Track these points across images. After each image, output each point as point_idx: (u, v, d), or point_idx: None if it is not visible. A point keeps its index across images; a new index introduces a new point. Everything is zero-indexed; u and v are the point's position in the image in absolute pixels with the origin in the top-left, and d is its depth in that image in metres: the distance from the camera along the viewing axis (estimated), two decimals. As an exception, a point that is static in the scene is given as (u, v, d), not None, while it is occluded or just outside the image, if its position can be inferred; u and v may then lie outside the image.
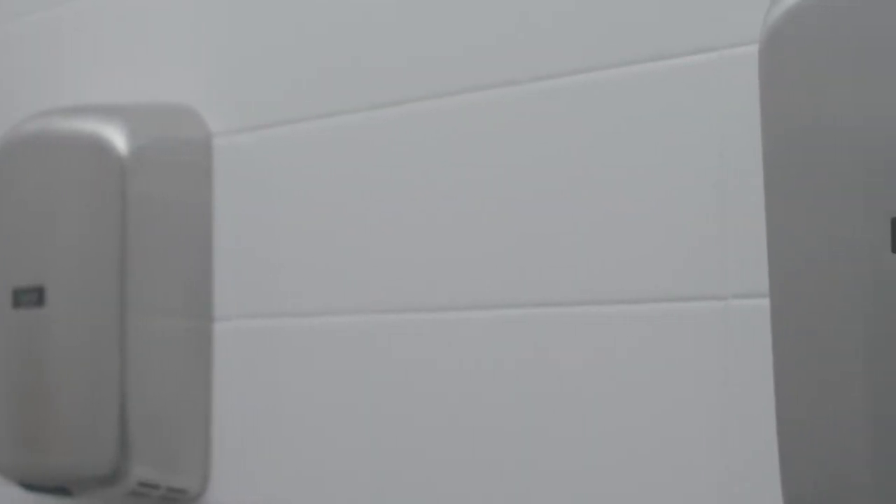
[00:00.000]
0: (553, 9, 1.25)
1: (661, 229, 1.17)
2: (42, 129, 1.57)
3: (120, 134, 1.50)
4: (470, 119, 1.31)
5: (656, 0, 1.18)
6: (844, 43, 0.96)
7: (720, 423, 1.13)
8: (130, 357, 1.48)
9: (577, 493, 1.22)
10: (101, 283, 1.49)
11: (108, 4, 1.67)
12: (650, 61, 1.18)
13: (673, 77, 1.17)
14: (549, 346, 1.24)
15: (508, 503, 1.27)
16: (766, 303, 1.02)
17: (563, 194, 1.24)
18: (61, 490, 1.53)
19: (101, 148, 1.50)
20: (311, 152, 1.44)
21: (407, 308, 1.35)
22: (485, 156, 1.30)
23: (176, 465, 1.51)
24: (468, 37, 1.32)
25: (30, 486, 1.57)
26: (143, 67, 1.63)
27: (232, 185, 1.52)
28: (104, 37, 1.68)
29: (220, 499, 1.52)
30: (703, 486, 1.14)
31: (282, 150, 1.47)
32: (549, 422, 1.24)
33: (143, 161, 1.51)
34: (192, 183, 1.54)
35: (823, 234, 0.96)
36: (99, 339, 1.49)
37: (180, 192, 1.54)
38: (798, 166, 0.97)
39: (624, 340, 1.19)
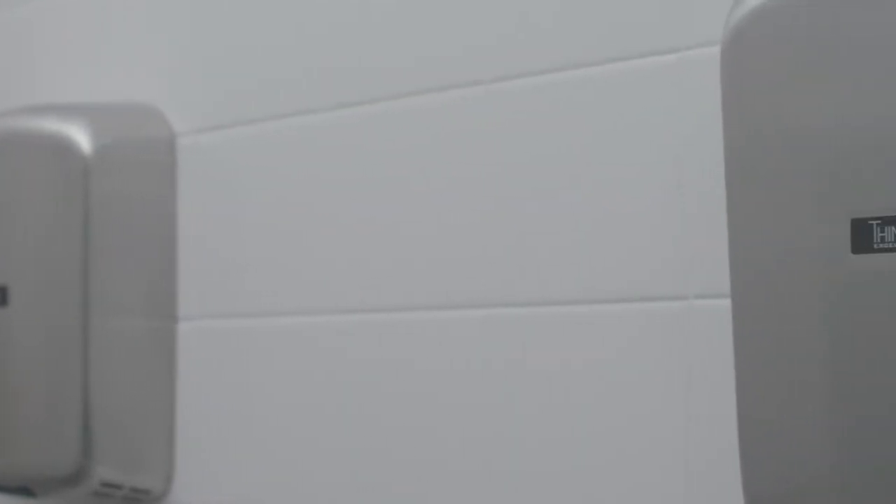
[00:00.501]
0: (516, 11, 1.25)
1: (624, 230, 1.17)
2: (5, 129, 1.56)
3: (83, 133, 1.50)
4: (435, 119, 1.31)
5: (617, 1, 1.18)
6: (806, 44, 0.96)
7: (684, 423, 1.14)
8: (93, 357, 1.47)
9: (543, 491, 1.22)
10: (65, 283, 1.48)
11: (71, 4, 1.67)
12: (612, 62, 1.19)
13: (635, 78, 1.17)
14: (514, 346, 1.24)
15: (467, 501, 1.27)
16: (728, 303, 1.02)
17: (525, 196, 1.24)
18: (24, 490, 1.52)
19: (64, 147, 1.49)
20: (275, 152, 1.44)
21: (372, 308, 1.35)
22: (451, 156, 1.30)
23: (139, 466, 1.51)
24: (433, 37, 1.32)
25: (-8, 487, 1.56)
26: (107, 67, 1.63)
27: (196, 185, 1.52)
28: (68, 36, 1.67)
29: (183, 499, 1.51)
30: (668, 486, 1.14)
31: (246, 150, 1.47)
32: (513, 422, 1.25)
33: (106, 161, 1.50)
34: (156, 182, 1.54)
35: (784, 234, 0.97)
36: (62, 338, 1.49)
37: (144, 191, 1.53)
38: (759, 167, 0.98)
39: (587, 340, 1.19)
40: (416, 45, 1.33)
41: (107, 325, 1.49)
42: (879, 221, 0.93)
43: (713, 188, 1.09)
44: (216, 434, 1.48)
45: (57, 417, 1.49)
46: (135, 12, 1.60)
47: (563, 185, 1.21)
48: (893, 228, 0.92)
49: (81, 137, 1.49)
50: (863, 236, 0.93)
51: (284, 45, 1.44)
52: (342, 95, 1.38)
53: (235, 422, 1.46)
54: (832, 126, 0.95)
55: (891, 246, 0.92)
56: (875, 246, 0.93)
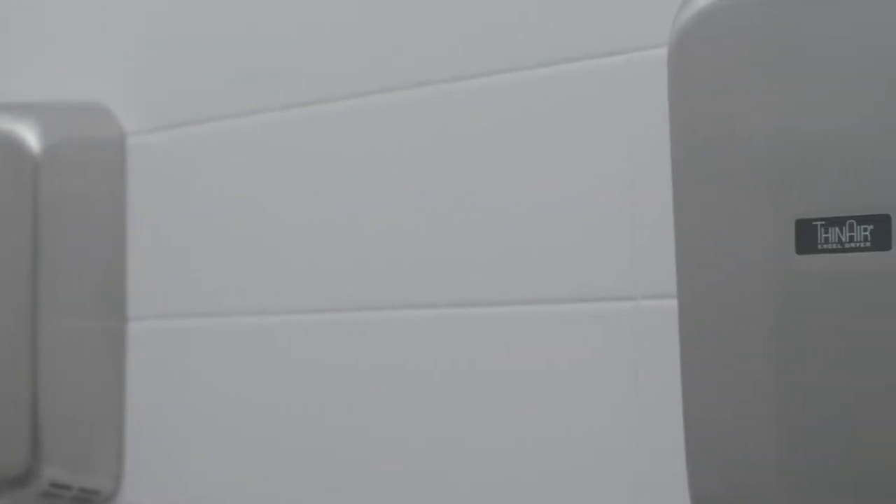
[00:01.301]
0: (464, 11, 1.26)
1: (572, 230, 1.17)
2: (-47, 128, 1.55)
3: (33, 132, 1.49)
4: (387, 119, 1.31)
5: (566, 3, 1.19)
6: (753, 46, 0.97)
7: (631, 423, 1.14)
8: (42, 357, 1.47)
9: (488, 492, 1.23)
10: (13, 283, 1.48)
11: (21, 2, 1.66)
12: (561, 63, 1.19)
13: (583, 79, 1.17)
14: (460, 346, 1.25)
15: (417, 501, 1.27)
16: (676, 303, 1.03)
17: (474, 194, 1.24)
18: (-28, 491, 1.51)
19: (13, 146, 1.48)
20: (225, 152, 1.44)
21: (323, 308, 1.35)
22: (398, 156, 1.30)
23: (88, 466, 1.50)
24: (380, 37, 1.32)
25: (-60, 488, 1.55)
26: (57, 66, 1.62)
27: (146, 185, 1.51)
28: (17, 34, 1.66)
29: (132, 499, 1.51)
30: (615, 486, 1.15)
31: (196, 150, 1.46)
32: (463, 420, 1.25)
33: (56, 160, 1.49)
34: (105, 182, 1.53)
35: (730, 235, 0.97)
36: (10, 338, 1.48)
37: (94, 191, 1.52)
38: (705, 168, 0.99)
39: (535, 341, 1.20)
40: (369, 45, 1.33)
41: (56, 325, 1.48)
42: (823, 222, 0.94)
43: (661, 189, 1.10)
44: (166, 435, 1.48)
45: (6, 418, 1.48)
46: (85, 11, 1.59)
47: (513, 185, 1.22)
48: (837, 229, 0.93)
49: (31, 137, 1.48)
50: (807, 237, 0.94)
51: (235, 45, 1.44)
52: (292, 95, 1.38)
53: (185, 422, 1.46)
54: (777, 127, 0.95)
55: (834, 247, 0.93)
56: (819, 247, 0.94)
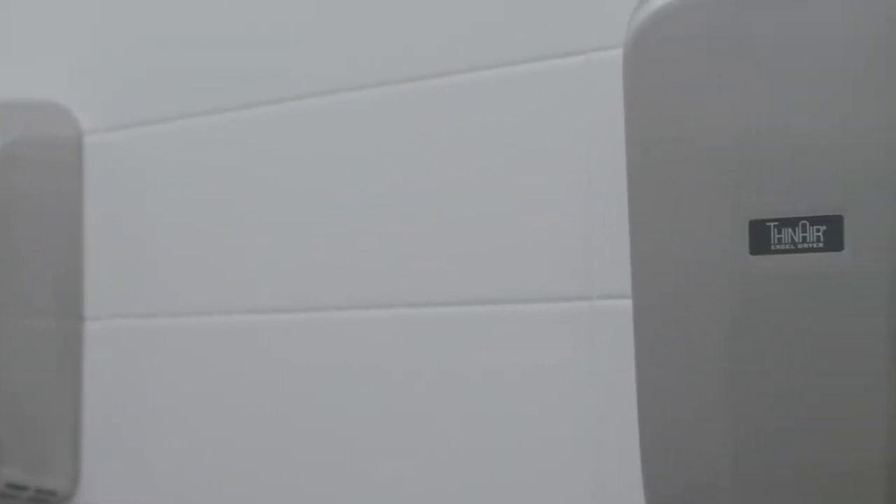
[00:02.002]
0: (421, 10, 1.26)
1: (529, 230, 1.18)
2: None
3: (-11, 131, 1.48)
4: (342, 119, 1.31)
5: (524, 3, 1.19)
6: (707, 46, 0.97)
7: (588, 423, 1.14)
8: (-2, 357, 1.46)
9: (447, 492, 1.23)
10: (-31, 282, 1.47)
11: (-23, -1, 1.65)
12: (519, 64, 1.19)
13: (540, 80, 1.18)
14: (418, 346, 1.25)
15: (383, 501, 1.27)
16: (631, 304, 1.03)
17: (433, 195, 1.24)
18: (-74, 493, 1.50)
19: (-31, 145, 1.48)
20: (182, 151, 1.43)
21: (283, 308, 1.35)
22: (358, 156, 1.30)
23: (45, 467, 1.49)
24: (339, 37, 1.32)
25: None
26: (14, 64, 1.61)
27: (103, 184, 1.51)
28: (-26, 32, 1.66)
29: (90, 500, 1.50)
30: (572, 486, 1.15)
31: (153, 148, 1.46)
32: (417, 422, 1.25)
33: (12, 158, 1.48)
34: (62, 181, 1.52)
35: (685, 235, 0.98)
36: (-34, 338, 1.47)
37: (51, 190, 1.52)
38: (660, 169, 0.99)
39: (491, 341, 1.20)
40: (327, 45, 1.33)
41: (12, 324, 1.47)
42: (777, 223, 0.94)
43: (618, 189, 1.10)
44: (123, 435, 1.47)
45: (-39, 418, 1.47)
46: (42, 9, 1.58)
47: (470, 185, 1.22)
48: (790, 230, 0.93)
49: (-13, 135, 1.48)
50: (760, 238, 0.95)
51: (193, 44, 1.43)
52: (250, 94, 1.38)
53: (142, 423, 1.45)
54: (731, 128, 0.96)
55: (788, 247, 0.94)
56: (772, 247, 0.94)
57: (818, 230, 0.93)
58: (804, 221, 0.93)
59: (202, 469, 1.40)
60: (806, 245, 0.93)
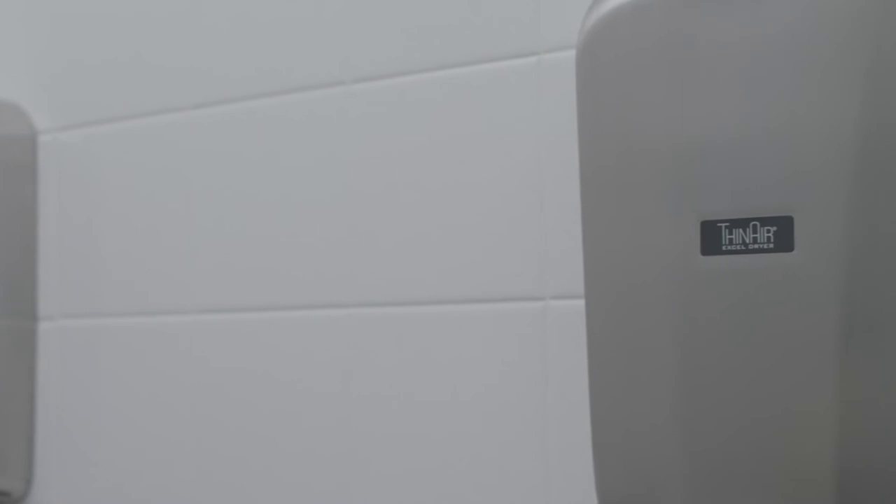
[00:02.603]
0: (371, 10, 1.26)
1: (481, 231, 1.18)
2: None
3: (-58, 130, 1.48)
4: (290, 120, 1.31)
5: (475, 4, 1.19)
6: (659, 48, 0.98)
7: (541, 422, 1.15)
8: (-49, 357, 1.45)
9: (398, 494, 1.23)
10: (-79, 282, 1.46)
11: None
12: (470, 65, 1.19)
13: (493, 81, 1.18)
14: (371, 346, 1.25)
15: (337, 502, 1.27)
16: (584, 304, 1.04)
17: (386, 196, 1.24)
18: None
19: (-78, 144, 1.47)
20: (136, 150, 1.43)
21: (232, 308, 1.34)
22: (306, 157, 1.30)
23: (-2, 468, 1.49)
24: (286, 39, 1.32)
25: None
26: (-33, 62, 1.61)
27: (57, 183, 1.50)
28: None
29: (43, 500, 1.49)
30: (525, 486, 1.15)
31: (107, 148, 1.45)
32: (369, 422, 1.25)
33: (-35, 158, 1.48)
34: (16, 180, 1.52)
35: (636, 236, 0.98)
36: (-82, 339, 1.46)
37: (4, 188, 1.51)
38: (613, 170, 0.99)
39: (444, 341, 1.20)
40: (276, 47, 1.33)
41: (-35, 324, 1.47)
42: (728, 224, 0.95)
43: (570, 190, 1.11)
44: (76, 435, 1.47)
45: (-87, 419, 1.46)
46: (-4, 7, 1.58)
47: (422, 185, 1.22)
48: (741, 231, 0.94)
49: (-60, 134, 1.47)
50: (711, 238, 0.95)
51: (146, 45, 1.43)
52: (202, 95, 1.38)
53: (96, 423, 1.45)
54: (683, 130, 0.96)
55: (738, 248, 0.94)
56: (723, 248, 0.95)
57: (769, 231, 0.93)
58: (755, 222, 0.94)
59: (154, 469, 1.40)
60: (756, 246, 0.94)
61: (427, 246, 1.21)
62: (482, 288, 1.18)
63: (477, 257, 1.18)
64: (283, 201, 1.31)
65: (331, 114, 1.28)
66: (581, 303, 1.07)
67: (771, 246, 0.93)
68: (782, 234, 0.93)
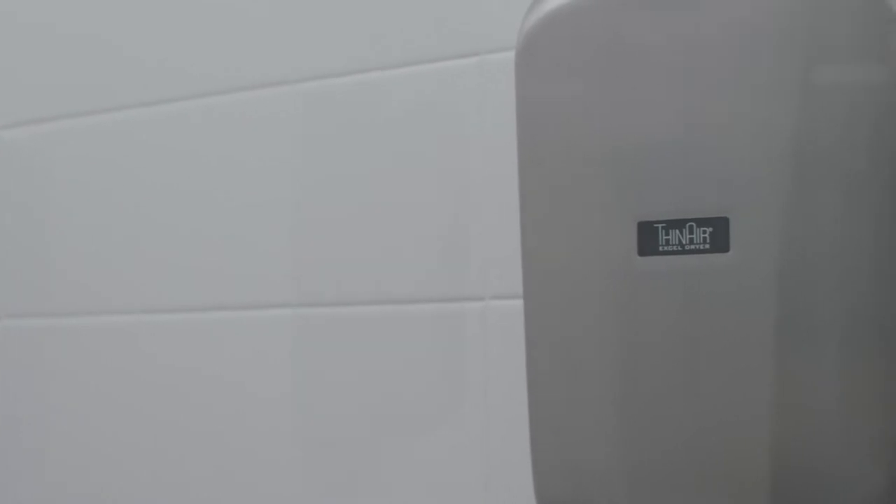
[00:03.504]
0: (315, 13, 1.25)
1: (420, 230, 1.18)
2: None
3: None
4: (248, 118, 1.31)
5: (417, 4, 1.19)
6: (597, 50, 0.98)
7: (480, 422, 1.15)
8: None
9: (342, 497, 1.23)
10: None
11: None
12: (412, 65, 1.19)
13: (432, 81, 1.18)
14: (313, 346, 1.25)
15: (267, 501, 1.27)
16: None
17: (321, 195, 1.24)
18: None
19: None
20: (81, 149, 1.42)
21: (176, 308, 1.34)
22: (252, 156, 1.30)
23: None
24: (233, 38, 1.31)
25: None
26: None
27: (3, 182, 1.49)
28: None
29: (-13, 501, 1.49)
30: (464, 486, 1.15)
31: (52, 146, 1.45)
32: (299, 419, 1.25)
33: None
34: (-41, 179, 1.51)
35: (574, 237, 0.98)
36: None
37: (-53, 188, 1.50)
38: (551, 170, 0.99)
39: (384, 341, 1.20)
40: (223, 46, 1.32)
41: None
42: (664, 225, 0.95)
43: (511, 190, 1.11)
44: (23, 435, 1.46)
45: None
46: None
47: (359, 185, 1.22)
48: (678, 232, 0.94)
49: None
50: (648, 239, 0.95)
51: (93, 42, 1.42)
52: (151, 92, 1.37)
53: (43, 423, 1.44)
54: (620, 132, 0.97)
55: (675, 248, 0.95)
56: (660, 248, 0.95)
57: (705, 232, 0.94)
58: (691, 223, 0.94)
59: (103, 468, 1.39)
60: (693, 246, 0.94)
61: (363, 247, 1.21)
62: (420, 288, 1.18)
63: (416, 257, 1.18)
64: (234, 200, 1.31)
65: (282, 112, 1.28)
66: (520, 303, 1.07)
67: (707, 247, 0.94)
68: (718, 234, 0.94)
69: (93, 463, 1.40)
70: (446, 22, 1.17)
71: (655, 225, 0.95)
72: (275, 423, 1.27)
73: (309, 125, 1.26)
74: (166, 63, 1.36)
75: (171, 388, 1.34)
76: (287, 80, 1.27)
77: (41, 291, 1.45)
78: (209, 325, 1.32)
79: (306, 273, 1.25)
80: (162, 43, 1.37)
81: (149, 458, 1.36)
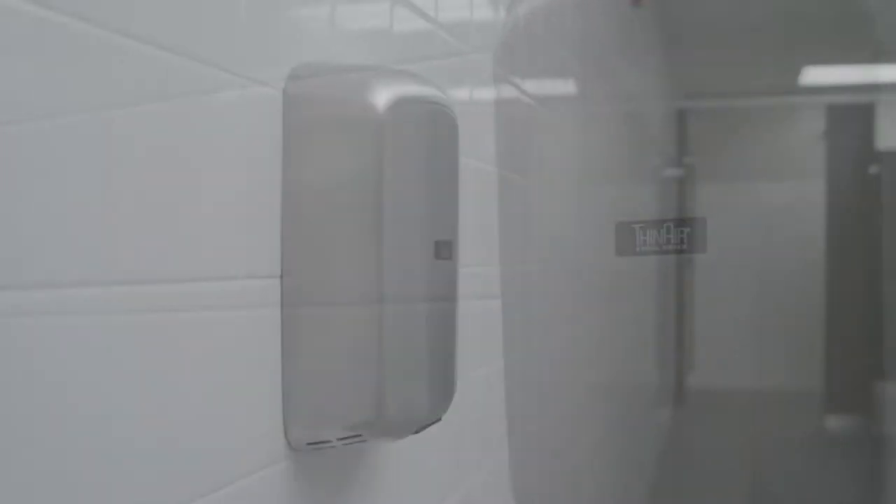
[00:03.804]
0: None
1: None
2: None
3: None
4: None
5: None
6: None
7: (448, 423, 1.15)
8: None
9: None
10: None
11: None
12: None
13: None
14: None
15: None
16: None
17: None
18: None
19: None
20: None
21: None
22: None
23: None
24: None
25: None
26: None
27: None
28: None
29: None
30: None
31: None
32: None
33: None
34: None
35: (552, 236, 1.00)
36: None
37: None
38: (524, 178, 1.01)
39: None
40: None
41: None
42: (641, 226, 0.97)
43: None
44: None
45: None
46: None
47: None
48: (655, 232, 0.97)
49: None
50: (625, 240, 0.98)
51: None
52: None
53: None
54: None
55: (652, 249, 0.97)
56: (637, 249, 0.98)
57: (681, 232, 0.97)
58: (668, 224, 0.97)
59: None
60: (670, 247, 0.97)
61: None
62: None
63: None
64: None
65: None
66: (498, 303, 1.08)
67: (685, 247, 0.97)
68: (695, 236, 0.97)
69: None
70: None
71: (633, 226, 0.98)
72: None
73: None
74: None
75: None
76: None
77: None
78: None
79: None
80: None
81: None
